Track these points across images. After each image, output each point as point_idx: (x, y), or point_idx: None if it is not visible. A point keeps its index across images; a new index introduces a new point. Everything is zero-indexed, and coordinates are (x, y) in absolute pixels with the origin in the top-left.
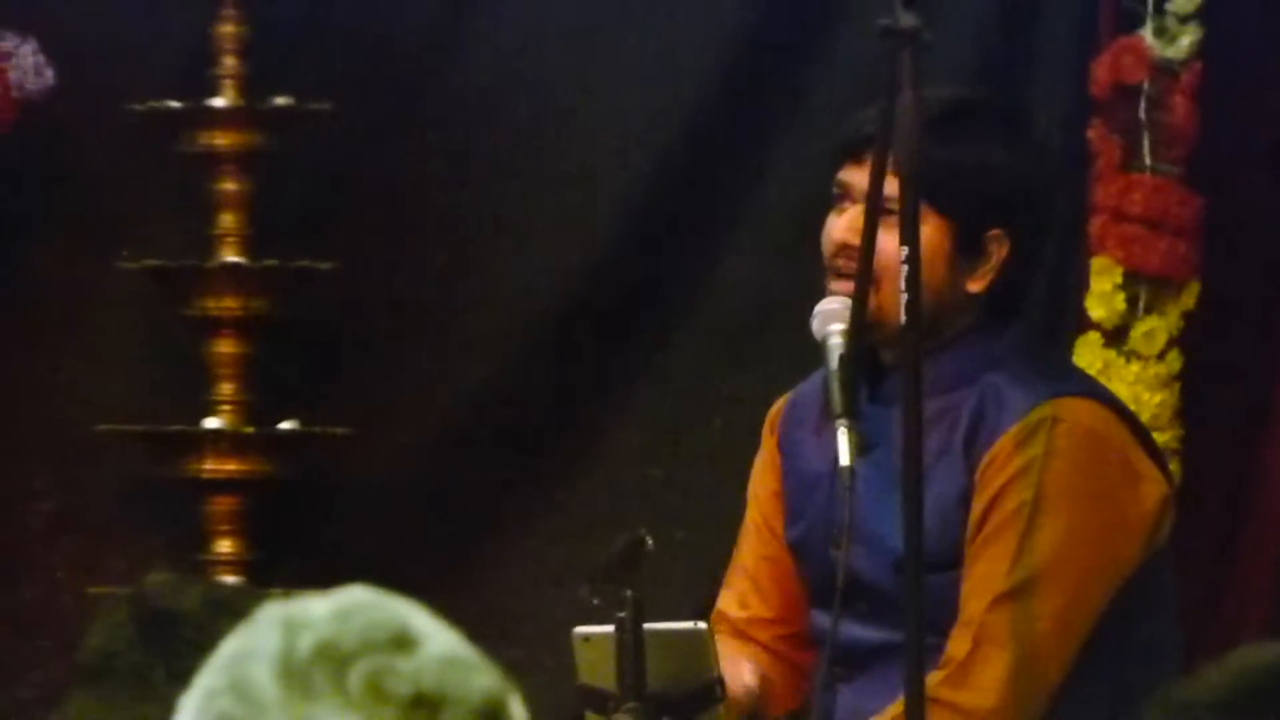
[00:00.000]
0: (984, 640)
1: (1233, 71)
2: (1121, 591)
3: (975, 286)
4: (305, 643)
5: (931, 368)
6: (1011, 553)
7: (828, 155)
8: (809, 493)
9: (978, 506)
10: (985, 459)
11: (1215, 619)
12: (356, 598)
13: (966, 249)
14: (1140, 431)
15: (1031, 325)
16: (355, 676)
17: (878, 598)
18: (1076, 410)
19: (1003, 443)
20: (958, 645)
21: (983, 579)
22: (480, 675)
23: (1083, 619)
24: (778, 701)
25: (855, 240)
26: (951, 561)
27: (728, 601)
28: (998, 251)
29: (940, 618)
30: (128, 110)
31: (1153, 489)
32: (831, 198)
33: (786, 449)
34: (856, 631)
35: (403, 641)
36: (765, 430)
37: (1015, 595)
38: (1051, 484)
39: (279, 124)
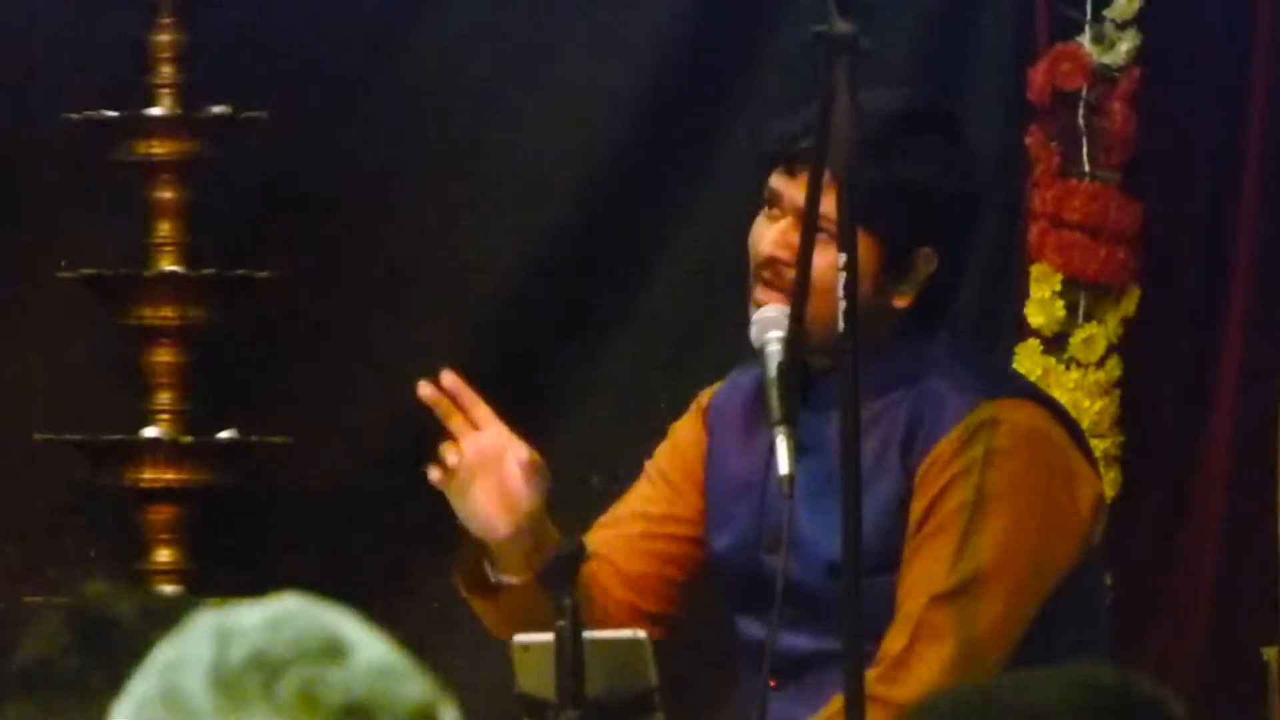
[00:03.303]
0: (921, 637)
1: (1171, 77)
2: (1056, 591)
3: (902, 302)
4: (237, 652)
5: (863, 373)
6: (952, 552)
7: (758, 158)
8: (735, 501)
9: (917, 507)
10: (925, 462)
11: (1155, 626)
12: (288, 607)
13: (895, 267)
14: (1075, 431)
15: (969, 331)
16: (286, 686)
17: (810, 604)
18: (1015, 411)
19: (943, 445)
20: (893, 642)
21: (921, 577)
22: (411, 684)
23: (1021, 618)
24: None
25: (784, 255)
26: (887, 565)
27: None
28: (925, 268)
29: (874, 622)
30: (64, 119)
31: (1089, 489)
32: (763, 200)
33: (712, 445)
34: (786, 639)
35: (334, 651)
36: (694, 412)
37: (956, 594)
38: (992, 484)
39: (216, 132)
